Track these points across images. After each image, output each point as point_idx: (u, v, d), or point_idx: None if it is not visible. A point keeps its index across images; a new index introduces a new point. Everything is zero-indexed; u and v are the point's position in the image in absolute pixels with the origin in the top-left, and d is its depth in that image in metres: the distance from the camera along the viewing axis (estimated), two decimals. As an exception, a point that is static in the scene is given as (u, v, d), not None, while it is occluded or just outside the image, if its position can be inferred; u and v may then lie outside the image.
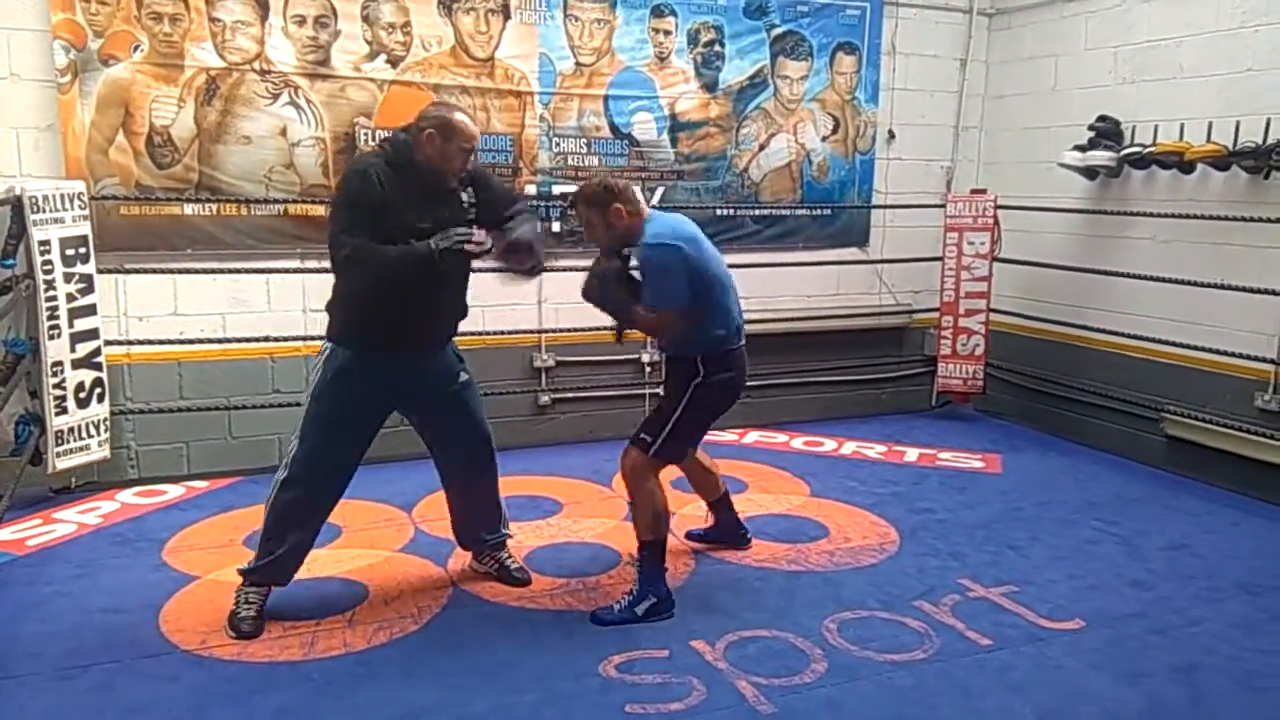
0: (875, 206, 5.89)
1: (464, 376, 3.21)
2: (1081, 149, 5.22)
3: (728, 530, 3.71)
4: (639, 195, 3.12)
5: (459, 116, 2.96)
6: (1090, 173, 5.27)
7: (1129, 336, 5.06)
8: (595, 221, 3.06)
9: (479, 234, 2.92)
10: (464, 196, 3.07)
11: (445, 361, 3.17)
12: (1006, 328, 5.81)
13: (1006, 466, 4.89)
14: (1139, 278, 4.96)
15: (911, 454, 5.06)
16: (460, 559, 3.58)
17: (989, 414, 5.91)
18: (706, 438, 5.33)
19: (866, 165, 5.85)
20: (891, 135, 5.88)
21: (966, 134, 6.08)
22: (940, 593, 3.35)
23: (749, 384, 5.59)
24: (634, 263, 3.11)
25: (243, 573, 3.05)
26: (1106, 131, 5.14)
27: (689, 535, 3.76)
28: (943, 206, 5.77)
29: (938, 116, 6.00)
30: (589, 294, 3.12)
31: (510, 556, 3.44)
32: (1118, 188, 5.25)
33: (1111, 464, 4.97)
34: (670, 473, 3.38)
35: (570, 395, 5.27)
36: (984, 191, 5.69)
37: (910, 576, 3.48)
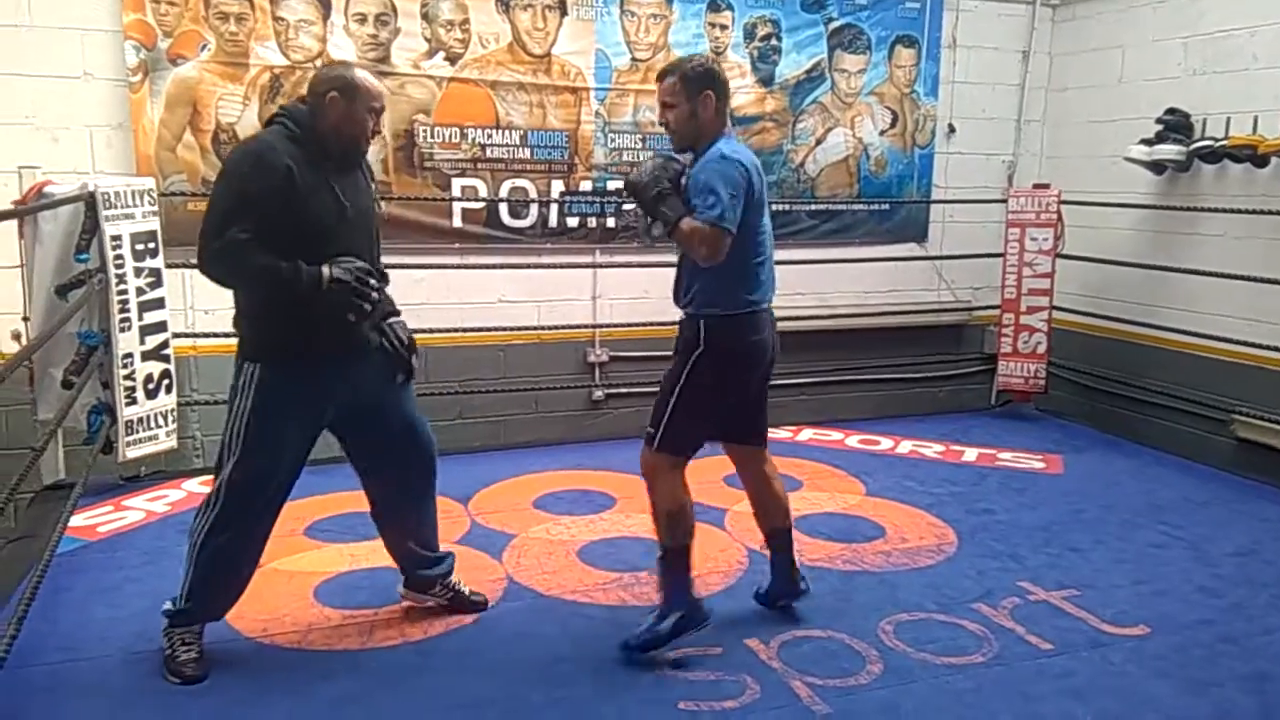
0: (934, 201, 5.81)
1: (399, 377, 2.85)
2: (1149, 143, 5.10)
3: (780, 576, 3.11)
4: (729, 103, 2.83)
5: (360, 73, 2.67)
6: (1158, 167, 5.14)
7: (1198, 335, 4.93)
8: (680, 102, 2.71)
9: (374, 284, 2.61)
10: (372, 184, 2.82)
11: (377, 365, 2.79)
12: (1070, 325, 5.69)
13: (1068, 467, 4.78)
14: (1209, 275, 4.82)
15: (970, 454, 4.97)
16: (514, 551, 3.61)
17: (1050, 414, 5.79)
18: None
19: (925, 159, 5.77)
20: (951, 129, 5.79)
21: (1029, 128, 5.97)
22: (999, 595, 3.29)
23: (803, 380, 5.56)
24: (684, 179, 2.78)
25: (170, 616, 2.75)
26: (1175, 125, 5.01)
27: (756, 596, 3.17)
28: (1004, 202, 5.67)
29: (999, 110, 5.90)
30: (639, 176, 2.73)
31: (460, 580, 3.11)
32: (1187, 182, 5.11)
33: (1178, 466, 4.83)
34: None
35: (624, 390, 5.28)
36: (1047, 186, 5.57)
37: (968, 578, 3.43)
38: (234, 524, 2.69)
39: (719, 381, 2.81)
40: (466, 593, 3.11)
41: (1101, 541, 3.80)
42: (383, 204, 2.85)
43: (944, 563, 3.57)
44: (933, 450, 5.03)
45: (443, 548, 3.10)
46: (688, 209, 2.69)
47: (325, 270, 2.56)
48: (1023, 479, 4.58)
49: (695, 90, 2.70)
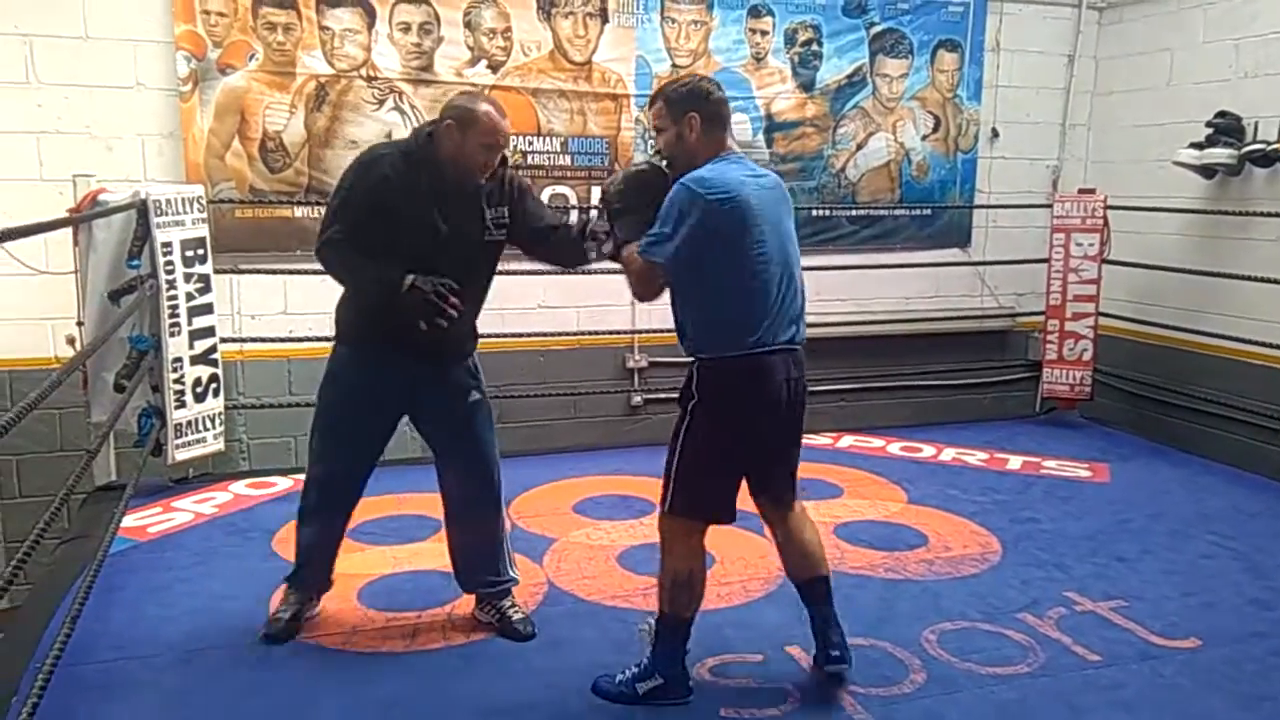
0: (978, 206, 5.76)
1: (475, 396, 2.92)
2: (1198, 146, 5.01)
3: (816, 634, 2.75)
4: (724, 123, 2.57)
5: (483, 108, 2.67)
6: (1208, 171, 5.05)
7: (1248, 342, 4.82)
8: (667, 126, 2.54)
9: (455, 301, 2.62)
10: (489, 213, 2.78)
11: (454, 377, 2.90)
12: (1116, 332, 5.61)
13: (1115, 476, 4.70)
14: (1260, 280, 4.71)
15: (1014, 462, 4.91)
16: (555, 555, 3.63)
17: (1096, 421, 5.70)
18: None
19: (968, 164, 5.72)
20: (995, 133, 5.74)
21: (1074, 132, 5.89)
22: (1045, 605, 3.24)
23: (843, 386, 5.49)
24: None
25: (286, 579, 3.06)
26: (1226, 128, 4.92)
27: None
28: (1049, 207, 5.60)
29: (1043, 114, 5.84)
30: (608, 185, 2.67)
31: (514, 605, 3.05)
32: (1238, 187, 5.02)
33: (1228, 476, 4.73)
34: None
35: (663, 395, 5.27)
36: (1093, 191, 5.49)
37: (1013, 588, 3.38)
38: (315, 507, 2.98)
39: (722, 435, 2.52)
40: (514, 619, 3.02)
41: (1149, 552, 3.74)
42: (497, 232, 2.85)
43: (988, 572, 3.53)
44: (976, 458, 4.97)
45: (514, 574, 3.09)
46: (638, 234, 2.52)
47: (409, 278, 2.61)
48: (1068, 488, 4.51)
49: (679, 113, 2.52)
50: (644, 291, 2.58)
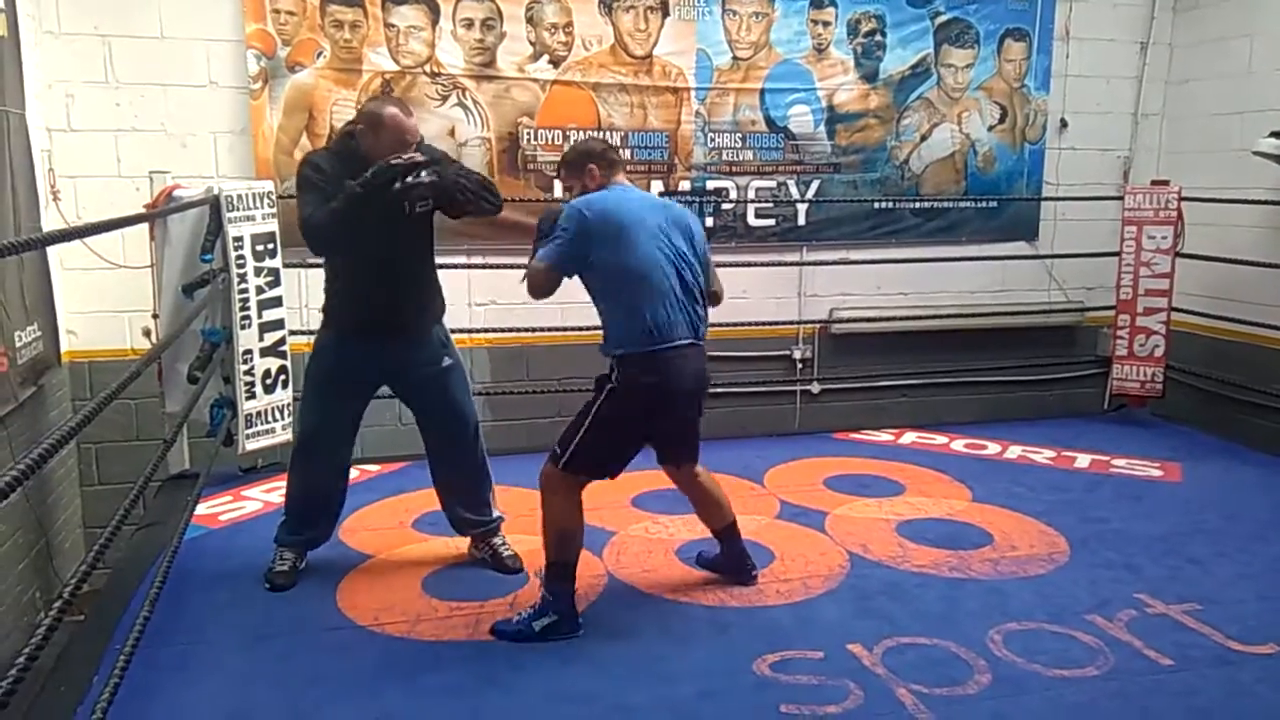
0: (1046, 199, 5.64)
1: (447, 361, 3.31)
2: (1280, 135, 4.84)
3: (733, 561, 3.34)
4: (616, 165, 3.10)
5: (389, 110, 3.04)
6: (1290, 161, 4.88)
7: (1333, 339, 4.66)
8: (573, 184, 3.09)
9: (412, 156, 2.95)
10: (398, 199, 3.13)
11: (425, 347, 3.27)
12: (1189, 328, 5.45)
13: (1188, 476, 4.57)
14: (1346, 275, 4.55)
15: (1083, 460, 4.79)
16: (614, 548, 3.64)
17: (1168, 419, 5.54)
18: (860, 437, 5.22)
19: (1036, 155, 5.61)
20: (1064, 124, 5.61)
21: (1146, 121, 5.74)
22: (1115, 607, 3.16)
23: (906, 382, 5.43)
24: None
25: (276, 535, 3.36)
26: (1310, 116, 4.74)
27: (698, 559, 3.43)
28: (1120, 199, 5.45)
29: (1114, 104, 5.69)
30: (545, 217, 3.08)
31: (504, 543, 3.45)
32: (1322, 177, 4.84)
33: (1309, 477, 4.57)
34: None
35: (720, 390, 5.25)
36: (1166, 183, 5.33)
37: (1081, 588, 3.31)
38: (300, 466, 3.32)
39: (624, 418, 2.97)
40: (504, 555, 3.43)
41: (1225, 554, 3.63)
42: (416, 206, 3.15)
43: (1055, 572, 3.46)
44: (1043, 456, 4.86)
45: (498, 513, 3.49)
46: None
47: (348, 183, 2.94)
48: (1139, 487, 4.40)
49: (580, 169, 3.06)
50: (534, 290, 3.00)
